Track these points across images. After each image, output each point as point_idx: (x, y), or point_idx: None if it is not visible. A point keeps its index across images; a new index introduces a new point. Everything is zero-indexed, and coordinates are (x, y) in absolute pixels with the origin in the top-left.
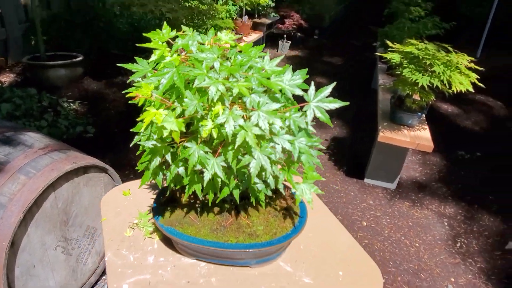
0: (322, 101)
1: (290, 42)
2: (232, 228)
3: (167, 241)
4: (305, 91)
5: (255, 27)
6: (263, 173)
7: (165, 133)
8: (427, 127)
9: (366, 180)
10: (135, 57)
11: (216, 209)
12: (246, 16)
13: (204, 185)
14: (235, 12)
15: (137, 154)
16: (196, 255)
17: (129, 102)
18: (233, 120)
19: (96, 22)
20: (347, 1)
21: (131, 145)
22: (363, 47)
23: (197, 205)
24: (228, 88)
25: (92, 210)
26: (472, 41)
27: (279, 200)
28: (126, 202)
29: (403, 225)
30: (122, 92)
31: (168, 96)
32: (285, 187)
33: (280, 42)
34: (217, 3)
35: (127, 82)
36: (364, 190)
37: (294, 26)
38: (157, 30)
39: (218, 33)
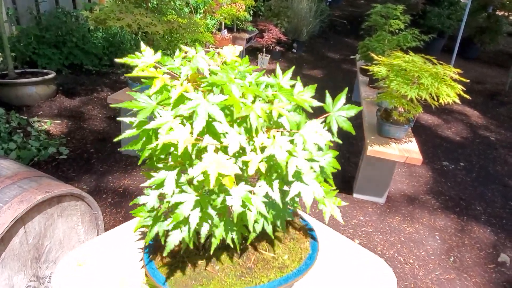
0: (342, 109)
1: (269, 55)
2: (259, 266)
3: None
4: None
5: (235, 41)
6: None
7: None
8: (414, 139)
9: (355, 195)
10: (129, 92)
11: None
12: (226, 30)
13: (234, 227)
14: (213, 27)
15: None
16: None
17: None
18: (280, 147)
19: (69, 38)
20: (324, 15)
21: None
22: (340, 60)
23: (201, 253)
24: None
25: (67, 243)
26: (443, 52)
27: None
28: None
29: (396, 241)
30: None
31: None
32: None
33: (259, 55)
34: (194, 16)
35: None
36: (354, 206)
37: (274, 40)
38: (135, 53)
39: (220, 50)
